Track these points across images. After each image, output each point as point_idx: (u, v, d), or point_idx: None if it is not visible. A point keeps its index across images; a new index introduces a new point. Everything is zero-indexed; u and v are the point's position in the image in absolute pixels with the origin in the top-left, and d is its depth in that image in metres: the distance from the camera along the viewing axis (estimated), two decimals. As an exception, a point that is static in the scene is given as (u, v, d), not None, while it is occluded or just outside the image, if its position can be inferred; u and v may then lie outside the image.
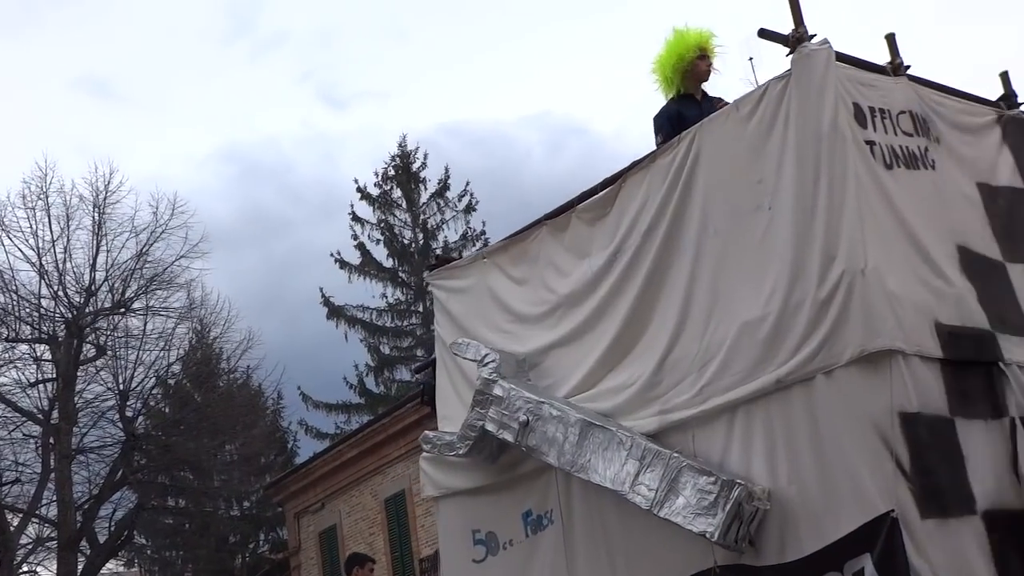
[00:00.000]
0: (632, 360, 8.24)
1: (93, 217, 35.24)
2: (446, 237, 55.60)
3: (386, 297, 54.69)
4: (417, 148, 57.29)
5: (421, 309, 54.51)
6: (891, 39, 8.44)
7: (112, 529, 36.32)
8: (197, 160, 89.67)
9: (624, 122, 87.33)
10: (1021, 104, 9.23)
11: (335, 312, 53.79)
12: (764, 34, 7.84)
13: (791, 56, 7.64)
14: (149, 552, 45.66)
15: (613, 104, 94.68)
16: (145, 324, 36.08)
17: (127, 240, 35.53)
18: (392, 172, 56.78)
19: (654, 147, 8.66)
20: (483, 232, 54.63)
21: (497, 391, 8.50)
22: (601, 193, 8.74)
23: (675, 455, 7.53)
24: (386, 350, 54.06)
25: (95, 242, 35.17)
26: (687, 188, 8.11)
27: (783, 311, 7.35)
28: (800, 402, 7.23)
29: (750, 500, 7.21)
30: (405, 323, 54.82)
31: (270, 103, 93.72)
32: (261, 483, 43.98)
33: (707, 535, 7.21)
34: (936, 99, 8.43)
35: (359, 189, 56.01)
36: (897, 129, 7.90)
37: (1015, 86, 9.31)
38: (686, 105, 8.88)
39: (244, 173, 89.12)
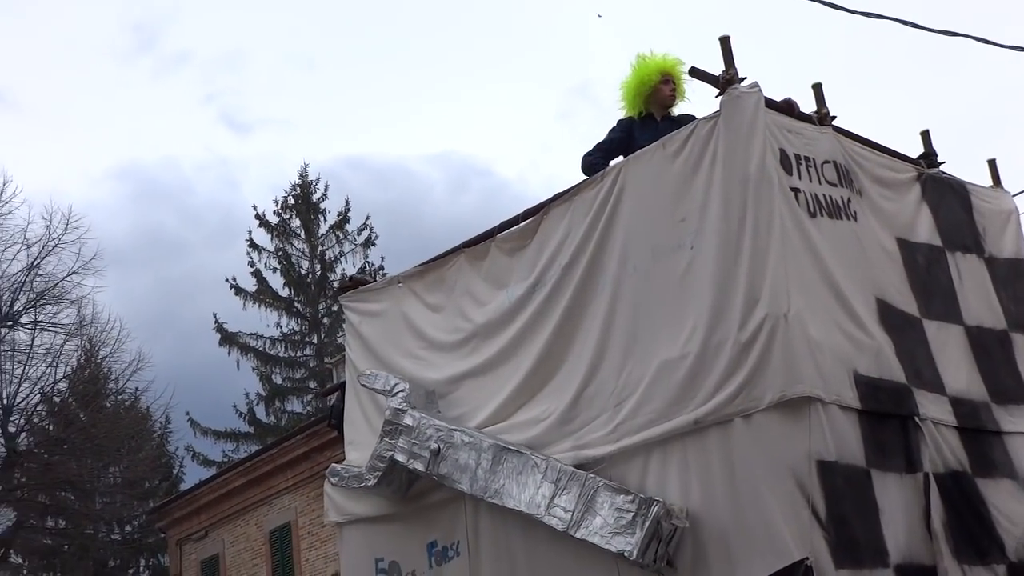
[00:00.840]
0: (547, 394, 8.14)
1: (-17, 228, 34.56)
2: (344, 270, 55.47)
3: (280, 327, 54.43)
4: (318, 179, 57.33)
5: (315, 340, 54.30)
6: (818, 89, 8.48)
7: (-12, 547, 35.50)
8: (93, 176, 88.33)
9: (527, 166, 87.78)
10: (940, 164, 9.29)
11: (228, 339, 53.29)
12: (695, 73, 7.83)
13: (720, 97, 7.62)
14: (25, 572, 44.64)
15: (516, 148, 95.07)
16: (33, 339, 35.65)
17: (18, 252, 34.95)
18: (292, 201, 56.60)
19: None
20: (382, 267, 54.60)
21: (407, 420, 8.36)
22: (522, 224, 8.65)
23: (591, 476, 7.44)
24: (278, 380, 53.65)
25: (-16, 253, 34.49)
26: (609, 223, 8.04)
27: (703, 352, 7.29)
28: (717, 444, 7.16)
29: (668, 518, 7.11)
30: (299, 354, 54.49)
31: (171, 123, 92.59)
32: (144, 508, 43.32)
33: (626, 554, 7.09)
34: (859, 152, 8.48)
35: (258, 216, 55.80)
36: (821, 178, 7.90)
37: (935, 145, 9.37)
38: (642, 125, 8.82)
39: (141, 193, 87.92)
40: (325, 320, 54.97)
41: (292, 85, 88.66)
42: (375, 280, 9.70)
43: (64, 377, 38.18)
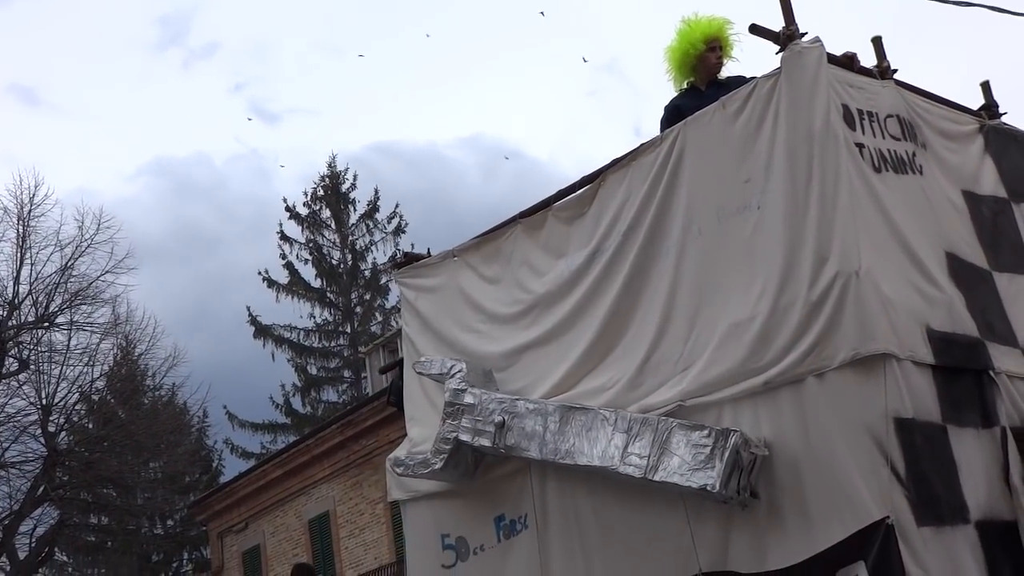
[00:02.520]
0: (612, 361, 8.02)
1: (17, 230, 34.94)
2: (375, 259, 55.74)
3: (314, 317, 54.78)
4: (347, 168, 57.30)
5: (349, 330, 54.43)
6: (878, 42, 8.33)
7: (33, 545, 35.85)
8: (127, 174, 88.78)
9: (558, 147, 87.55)
10: (1002, 115, 9.14)
11: (262, 331, 53.57)
12: (755, 30, 7.68)
13: (781, 54, 7.47)
14: (70, 569, 45.16)
15: (547, 128, 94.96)
16: (69, 339, 35.98)
17: (52, 254, 35.36)
18: (321, 192, 56.68)
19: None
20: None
21: (468, 399, 8.24)
22: (579, 191, 8.53)
23: (663, 419, 7.32)
24: (313, 370, 53.92)
25: (19, 255, 34.92)
26: (670, 187, 7.92)
27: (772, 312, 7.17)
28: (789, 405, 7.05)
29: (747, 447, 6.97)
30: (332, 344, 54.72)
31: (202, 116, 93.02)
32: (185, 502, 43.68)
33: (708, 487, 6.95)
34: (921, 105, 8.32)
35: (288, 208, 56.10)
36: (885, 133, 7.76)
37: (996, 96, 9.23)
38: (688, 98, 8.65)
39: (175, 188, 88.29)
40: (358, 309, 55.13)
41: (320, 73, 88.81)
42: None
43: (101, 375, 38.66)
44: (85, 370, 36.74)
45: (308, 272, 54.99)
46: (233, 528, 39.23)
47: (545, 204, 8.74)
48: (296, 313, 54.62)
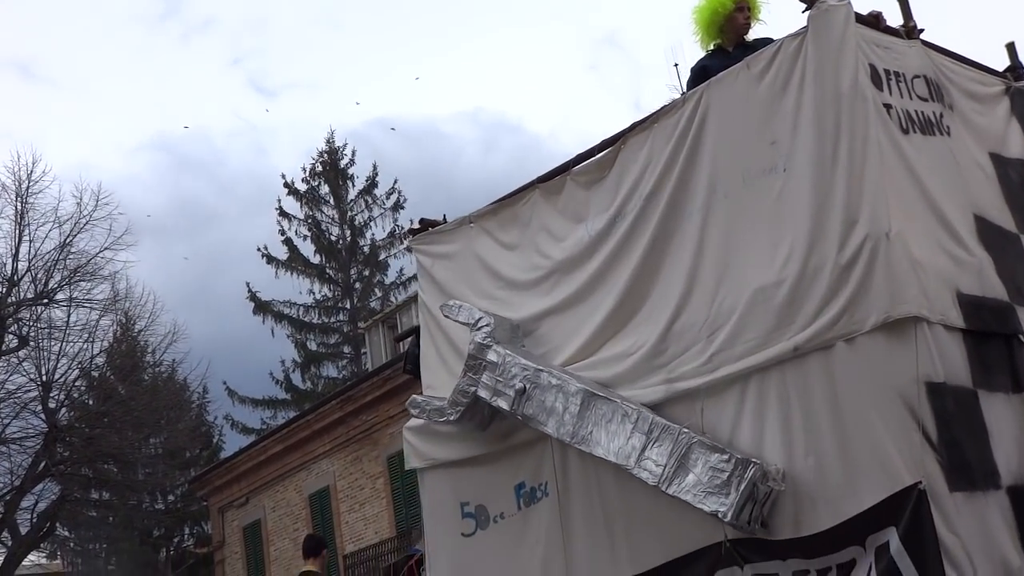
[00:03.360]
0: (634, 327, 7.90)
1: (15, 206, 34.89)
2: (373, 235, 55.67)
3: (313, 293, 54.71)
4: (345, 144, 57.16)
5: (348, 306, 54.40)
6: (904, 1, 8.18)
7: (34, 521, 35.89)
8: (127, 148, 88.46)
9: (558, 122, 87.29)
10: (1029, 76, 9.01)
11: (262, 307, 53.56)
12: None
13: (808, 12, 7.33)
14: (72, 544, 45.18)
15: (547, 103, 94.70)
16: (68, 315, 36.02)
17: (50, 230, 35.30)
18: (320, 168, 56.57)
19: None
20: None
21: (491, 356, 8.12)
22: (599, 155, 8.39)
23: (684, 430, 7.21)
24: (313, 346, 53.97)
25: (17, 232, 34.86)
26: (694, 149, 7.78)
27: (801, 276, 7.05)
28: (818, 370, 6.93)
29: (764, 480, 6.90)
30: (332, 319, 54.76)
31: (200, 90, 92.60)
32: (186, 477, 43.79)
33: (719, 515, 6.91)
34: (948, 66, 8.19)
35: (286, 184, 56.02)
36: (912, 93, 7.63)
37: (1021, 58, 9.08)
38: (715, 58, 8.51)
39: (175, 164, 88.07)
40: (357, 285, 55.08)
41: (318, 47, 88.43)
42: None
43: (101, 352, 38.71)
44: (85, 346, 36.81)
45: (307, 248, 54.93)
46: (234, 503, 39.35)
47: (563, 168, 8.60)
48: (295, 289, 54.56)
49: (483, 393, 8.11)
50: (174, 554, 46.13)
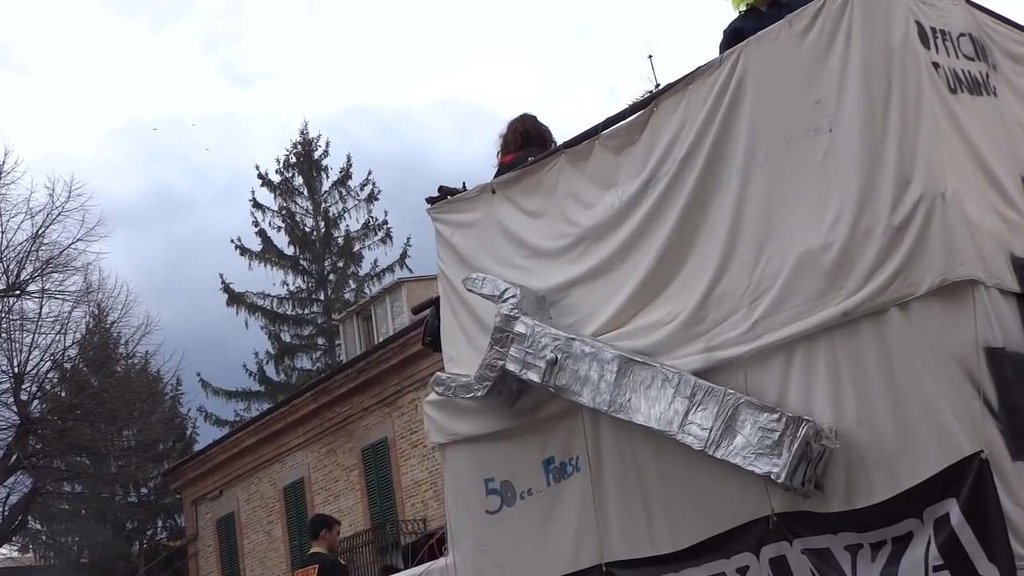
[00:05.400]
0: (670, 295, 7.61)
1: (-13, 198, 34.64)
2: (347, 226, 55.74)
3: (287, 285, 54.79)
4: (319, 136, 57.18)
5: (322, 297, 54.44)
6: (947, -41, 7.91)
7: (6, 514, 35.94)
8: (99, 136, 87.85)
9: (534, 110, 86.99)
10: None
11: (235, 298, 53.67)
12: None
13: (854, -32, 7.07)
14: (44, 538, 45.06)
15: (522, 92, 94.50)
16: (41, 307, 36.27)
17: (22, 222, 35.39)
18: (294, 159, 56.58)
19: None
20: (385, 221, 55.05)
21: (519, 328, 7.81)
22: (629, 119, 8.10)
23: (730, 391, 6.93)
24: (287, 338, 54.23)
25: (-12, 223, 34.57)
26: (731, 111, 7.48)
27: (850, 239, 6.78)
28: (870, 336, 6.67)
29: (818, 439, 6.61)
30: (306, 311, 54.98)
31: (174, 77, 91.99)
32: (159, 469, 43.88)
33: (772, 476, 6.61)
34: (991, 25, 7.91)
35: (260, 176, 56.02)
36: (959, 52, 7.36)
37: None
38: (749, 20, 8.24)
39: (148, 152, 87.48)
40: (331, 277, 55.09)
41: (293, 34, 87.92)
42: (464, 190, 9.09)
43: (74, 343, 39.13)
44: (57, 338, 37.14)
45: (281, 239, 55.05)
46: (207, 496, 39.35)
47: (591, 133, 8.30)
48: (269, 280, 54.60)
49: (512, 366, 7.81)
50: (147, 547, 46.19)
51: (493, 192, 8.72)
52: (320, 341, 54.00)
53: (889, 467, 6.54)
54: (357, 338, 40.39)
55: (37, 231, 35.73)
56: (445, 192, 9.08)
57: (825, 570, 6.74)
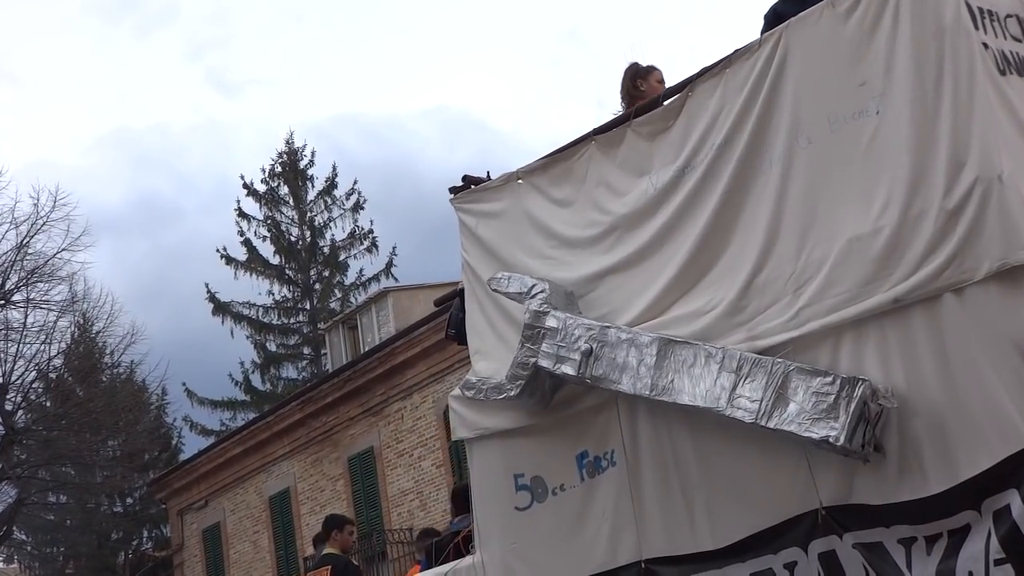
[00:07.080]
0: (709, 283, 7.40)
1: (-29, 208, 34.60)
2: (333, 235, 55.79)
3: (273, 294, 54.80)
4: (305, 145, 57.26)
5: (308, 307, 54.41)
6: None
7: (-9, 524, 35.39)
8: (85, 145, 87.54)
9: (521, 118, 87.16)
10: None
11: (221, 308, 53.65)
12: None
13: (902, -55, 6.87)
14: (29, 548, 44.96)
15: (510, 100, 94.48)
16: (26, 317, 36.23)
17: (7, 231, 35.52)
18: (279, 169, 56.56)
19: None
20: (371, 231, 55.12)
21: (550, 322, 7.58)
22: (663, 105, 7.89)
23: (778, 360, 6.71)
24: (272, 347, 54.23)
25: (-28, 233, 34.53)
26: (772, 94, 7.27)
27: (901, 224, 6.56)
28: (923, 323, 6.46)
29: (875, 398, 6.38)
30: (292, 320, 55.01)
31: (160, 85, 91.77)
32: (144, 480, 43.84)
33: (831, 439, 6.35)
34: (1033, 7, 7.74)
35: (245, 185, 56.02)
36: (1006, 33, 7.14)
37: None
38: (790, 3, 8.00)
39: (133, 159, 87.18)
40: (317, 286, 55.08)
41: (280, 41, 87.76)
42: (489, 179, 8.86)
43: (59, 353, 39.32)
44: (42, 348, 37.13)
45: (266, 249, 55.03)
46: (193, 506, 39.29)
47: (623, 119, 8.10)
48: (255, 290, 54.60)
49: (544, 362, 7.57)
50: (133, 557, 46.05)
51: (519, 180, 8.50)
52: (306, 351, 53.91)
53: (945, 457, 6.32)
54: (343, 348, 40.26)
55: (22, 241, 35.86)
56: (469, 181, 8.85)
57: (878, 564, 6.51)
